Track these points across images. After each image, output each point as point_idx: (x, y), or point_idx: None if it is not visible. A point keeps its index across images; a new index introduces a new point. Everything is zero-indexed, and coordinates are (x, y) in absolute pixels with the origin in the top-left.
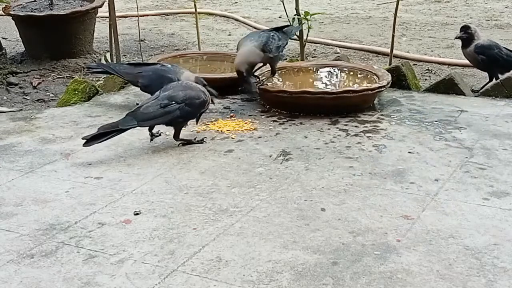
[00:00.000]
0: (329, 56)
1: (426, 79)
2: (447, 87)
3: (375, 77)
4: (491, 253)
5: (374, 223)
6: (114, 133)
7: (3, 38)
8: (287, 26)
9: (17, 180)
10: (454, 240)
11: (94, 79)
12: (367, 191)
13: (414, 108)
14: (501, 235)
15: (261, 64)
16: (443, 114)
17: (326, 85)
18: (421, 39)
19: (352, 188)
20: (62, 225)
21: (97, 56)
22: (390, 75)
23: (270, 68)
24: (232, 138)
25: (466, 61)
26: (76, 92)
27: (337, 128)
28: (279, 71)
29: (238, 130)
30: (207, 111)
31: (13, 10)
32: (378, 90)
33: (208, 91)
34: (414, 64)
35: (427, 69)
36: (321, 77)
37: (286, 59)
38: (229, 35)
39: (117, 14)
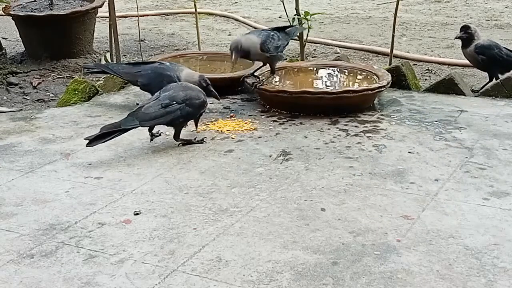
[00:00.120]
0: (329, 56)
1: (426, 79)
2: (447, 87)
3: (375, 77)
4: (491, 253)
5: (374, 223)
6: (116, 133)
7: (3, 38)
8: (290, 26)
9: (17, 180)
10: (454, 240)
11: (94, 79)
12: (367, 191)
13: (414, 108)
14: (501, 235)
15: (261, 64)
16: (443, 114)
17: (326, 85)
18: (421, 39)
19: (352, 188)
20: (62, 225)
21: (97, 56)
22: (390, 75)
23: (269, 68)
24: (232, 138)
25: (466, 61)
26: (76, 92)
27: (337, 128)
28: (279, 71)
29: (238, 130)
30: (207, 111)
31: (13, 10)
32: (378, 90)
33: (211, 91)
34: (414, 64)
35: (427, 69)
36: (321, 77)
37: (286, 59)
38: (229, 35)
39: (117, 14)
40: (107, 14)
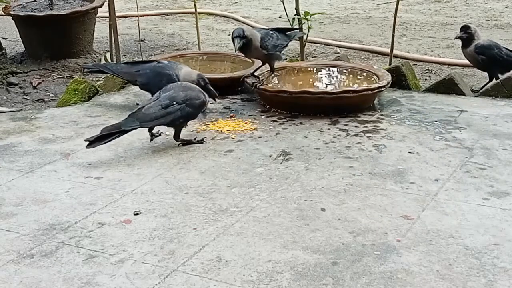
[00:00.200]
0: (329, 56)
1: (426, 79)
2: (447, 87)
3: (375, 77)
4: (491, 253)
5: (374, 223)
6: (117, 134)
7: (3, 38)
8: (291, 29)
9: (17, 180)
10: (454, 240)
11: (94, 79)
12: (367, 191)
13: (414, 108)
14: (501, 235)
15: (261, 64)
16: (443, 114)
17: (326, 85)
18: (421, 39)
19: (352, 188)
20: (62, 225)
21: (97, 56)
22: (390, 75)
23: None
24: (232, 138)
25: (466, 61)
26: (76, 92)
27: (337, 128)
28: (280, 71)
29: (238, 130)
30: (206, 110)
31: (13, 10)
32: (378, 90)
33: (210, 90)
34: (414, 64)
35: (427, 69)
36: (321, 77)
37: (286, 59)
38: (229, 35)
39: (117, 14)
40: (107, 14)
